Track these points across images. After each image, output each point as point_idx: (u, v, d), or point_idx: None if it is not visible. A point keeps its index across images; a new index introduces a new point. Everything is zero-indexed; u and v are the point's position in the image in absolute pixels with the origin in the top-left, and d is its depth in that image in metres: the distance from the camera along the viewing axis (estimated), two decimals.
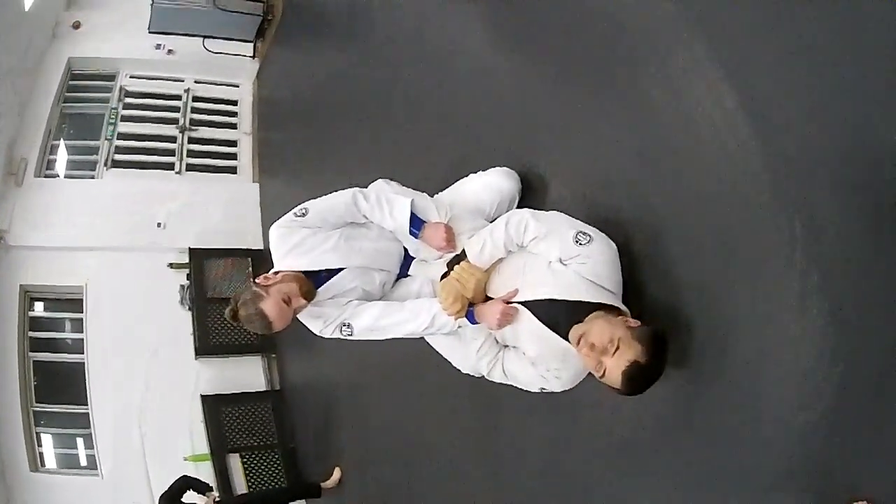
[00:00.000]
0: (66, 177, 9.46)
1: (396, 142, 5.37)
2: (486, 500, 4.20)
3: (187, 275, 8.85)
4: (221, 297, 8.69)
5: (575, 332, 2.60)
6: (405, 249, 3.27)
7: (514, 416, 3.77)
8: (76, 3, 10.15)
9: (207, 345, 8.48)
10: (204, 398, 8.14)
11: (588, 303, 2.66)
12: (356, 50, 6.58)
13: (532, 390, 2.95)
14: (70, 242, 8.58)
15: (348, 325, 3.09)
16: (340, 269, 3.10)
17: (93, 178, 9.41)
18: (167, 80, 10.50)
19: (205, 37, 10.31)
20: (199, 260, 8.89)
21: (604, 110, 3.13)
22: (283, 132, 9.05)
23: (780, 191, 2.29)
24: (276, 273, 3.03)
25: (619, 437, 3.12)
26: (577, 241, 2.71)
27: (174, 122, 10.18)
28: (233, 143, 10.39)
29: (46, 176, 9.18)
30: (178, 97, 10.44)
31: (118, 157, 9.59)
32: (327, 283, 3.08)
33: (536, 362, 2.86)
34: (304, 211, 3.10)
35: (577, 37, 3.36)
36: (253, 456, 8.04)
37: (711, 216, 2.56)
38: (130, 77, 10.27)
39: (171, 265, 8.90)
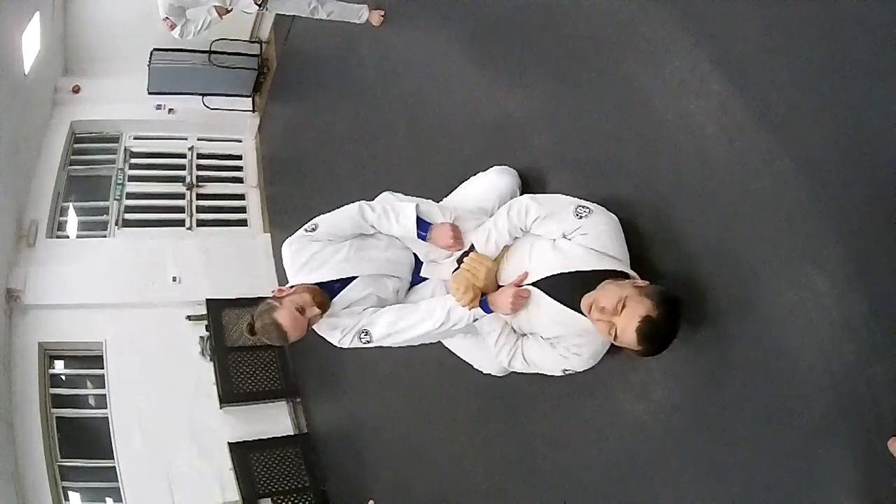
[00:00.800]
0: (77, 237, 9.47)
1: (398, 170, 5.52)
2: None
3: (206, 326, 8.79)
4: (241, 346, 8.66)
5: (585, 300, 2.67)
6: (415, 257, 3.38)
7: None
8: (74, 69, 10.26)
9: (231, 393, 8.39)
10: (231, 446, 8.02)
11: (596, 272, 2.74)
12: (351, 91, 6.77)
13: (556, 374, 2.99)
14: (86, 300, 8.52)
15: (366, 333, 3.14)
16: (353, 279, 3.19)
17: (105, 237, 9.42)
18: (171, 139, 10.61)
19: (203, 94, 10.48)
20: (217, 311, 8.85)
21: (596, 105, 3.29)
22: (289, 181, 9.15)
23: (774, 156, 2.43)
24: (291, 287, 3.14)
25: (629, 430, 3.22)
26: (577, 215, 2.82)
27: (181, 179, 10.27)
28: (240, 197, 10.48)
29: (58, 237, 9.17)
30: (182, 155, 10.55)
31: (128, 216, 9.63)
32: (341, 293, 3.16)
33: (555, 343, 2.92)
34: (314, 226, 3.21)
35: (565, 40, 3.55)
36: (285, 501, 7.90)
37: (710, 196, 2.70)
38: (134, 138, 10.38)
39: (189, 317, 8.86)
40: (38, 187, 9.19)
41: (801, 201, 2.36)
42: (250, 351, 8.70)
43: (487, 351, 3.23)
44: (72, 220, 9.54)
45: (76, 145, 10.01)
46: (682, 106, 2.78)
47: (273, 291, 3.16)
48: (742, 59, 2.56)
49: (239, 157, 10.85)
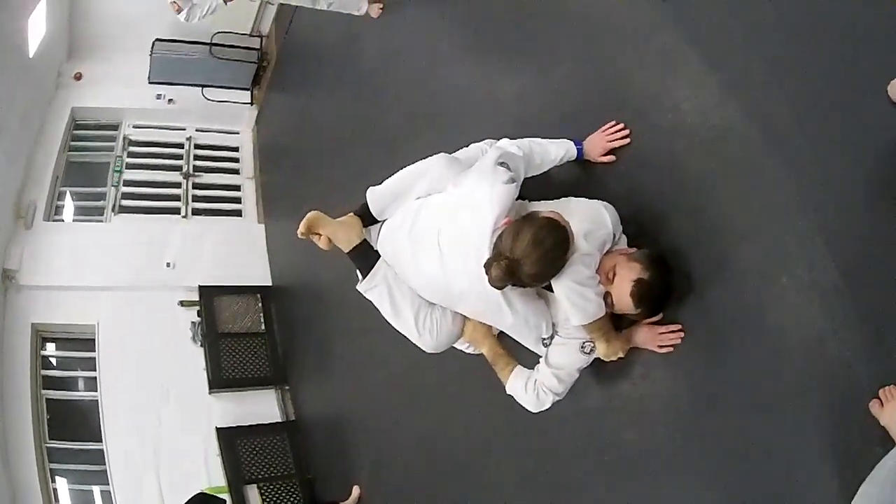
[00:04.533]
0: (74, 221, 9.55)
1: (394, 159, 5.42)
2: None
3: (198, 312, 8.89)
4: (232, 332, 8.83)
5: None
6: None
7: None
8: (77, 55, 10.30)
9: (220, 379, 8.48)
10: (219, 431, 8.08)
11: None
12: (348, 84, 6.88)
13: (579, 369, 2.90)
14: (81, 282, 8.59)
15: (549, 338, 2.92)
16: None
17: (101, 221, 9.48)
18: (169, 128, 10.67)
19: (203, 86, 10.54)
20: (210, 297, 8.95)
21: (581, 84, 3.45)
22: (285, 174, 9.24)
23: (740, 112, 2.59)
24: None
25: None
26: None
27: (178, 168, 10.32)
28: (236, 188, 10.54)
29: (55, 220, 9.24)
30: (180, 145, 10.60)
31: (125, 202, 9.68)
32: None
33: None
34: (507, 167, 2.81)
35: (556, 21, 3.68)
36: (270, 486, 7.94)
37: (682, 166, 2.85)
38: (133, 126, 10.43)
39: (181, 303, 8.96)
40: (38, 170, 9.23)
41: (773, 172, 2.48)
42: (240, 337, 8.84)
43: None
44: (69, 205, 9.60)
45: (76, 131, 10.07)
46: (661, 83, 2.93)
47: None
48: (717, 38, 2.73)
49: (235, 149, 10.90)
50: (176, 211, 9.90)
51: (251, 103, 10.87)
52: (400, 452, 5.78)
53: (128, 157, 10.14)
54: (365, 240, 3.09)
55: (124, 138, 10.28)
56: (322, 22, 7.15)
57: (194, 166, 10.45)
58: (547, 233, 2.52)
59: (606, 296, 2.68)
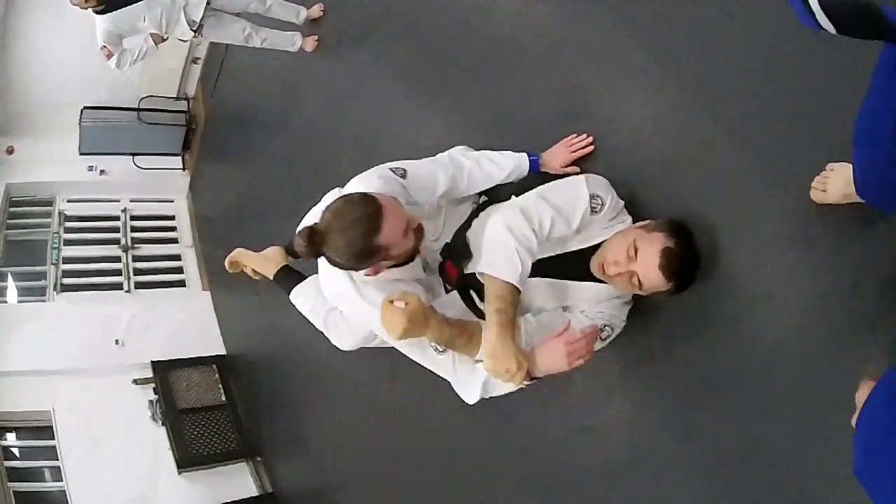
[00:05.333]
0: (18, 302, 9.32)
1: None
2: None
3: (154, 389, 8.77)
4: (193, 407, 8.74)
5: (594, 263, 2.57)
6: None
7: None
8: (8, 129, 10.05)
9: (188, 457, 8.34)
10: None
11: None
12: (279, 143, 6.94)
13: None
14: (31, 367, 8.39)
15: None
16: None
17: (44, 302, 9.28)
18: (103, 201, 10.58)
19: (134, 154, 10.48)
20: (164, 372, 8.85)
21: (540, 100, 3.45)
22: (225, 237, 9.07)
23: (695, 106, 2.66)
24: None
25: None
26: (592, 210, 2.57)
27: (116, 242, 10.23)
28: (177, 258, 10.50)
29: None
30: (116, 217, 10.52)
31: (66, 280, 9.51)
32: None
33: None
34: (402, 171, 2.65)
35: (494, 48, 3.73)
36: None
37: (651, 166, 2.85)
38: (68, 201, 10.30)
39: (135, 381, 8.83)
40: None
41: (737, 161, 2.53)
42: (202, 412, 8.75)
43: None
44: (11, 286, 9.40)
45: (12, 209, 9.86)
46: (620, 93, 2.99)
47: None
48: (676, 49, 2.79)
49: (172, 217, 10.88)
50: (118, 286, 9.80)
51: (183, 168, 10.86)
52: (393, 487, 5.61)
53: (65, 232, 10.00)
54: (287, 265, 3.38)
55: (60, 213, 10.13)
56: (249, 79, 7.05)
57: (132, 238, 10.37)
58: (353, 206, 2.24)
59: (631, 276, 2.41)
